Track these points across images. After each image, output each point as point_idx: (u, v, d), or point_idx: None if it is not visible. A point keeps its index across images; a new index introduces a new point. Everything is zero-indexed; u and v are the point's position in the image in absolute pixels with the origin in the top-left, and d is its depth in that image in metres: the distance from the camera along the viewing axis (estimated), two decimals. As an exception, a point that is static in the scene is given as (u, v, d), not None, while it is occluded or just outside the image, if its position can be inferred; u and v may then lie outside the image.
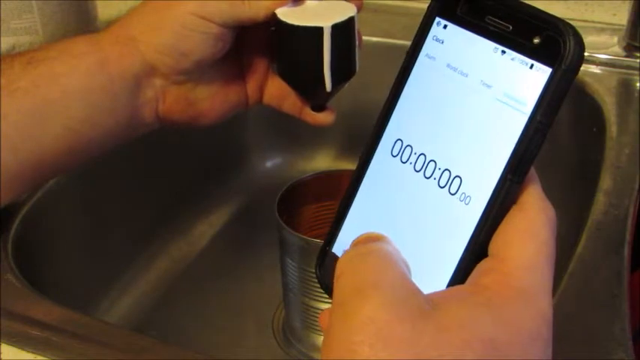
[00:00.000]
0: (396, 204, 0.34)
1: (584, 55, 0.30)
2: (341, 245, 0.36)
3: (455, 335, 0.27)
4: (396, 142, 0.34)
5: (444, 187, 0.32)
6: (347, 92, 0.55)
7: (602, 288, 0.50)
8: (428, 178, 0.33)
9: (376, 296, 0.28)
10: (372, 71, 0.65)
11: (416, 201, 0.33)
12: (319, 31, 0.50)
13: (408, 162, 0.34)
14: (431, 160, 0.33)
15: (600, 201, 0.58)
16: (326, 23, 0.50)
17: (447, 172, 0.32)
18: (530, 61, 0.30)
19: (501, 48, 0.31)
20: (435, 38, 0.34)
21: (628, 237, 0.54)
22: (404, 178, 0.34)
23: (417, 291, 0.29)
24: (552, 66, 0.30)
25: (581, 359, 0.45)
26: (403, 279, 0.30)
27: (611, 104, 0.69)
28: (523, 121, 0.30)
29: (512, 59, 0.31)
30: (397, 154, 0.34)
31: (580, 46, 0.29)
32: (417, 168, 0.33)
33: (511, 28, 0.31)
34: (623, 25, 0.77)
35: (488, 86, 0.31)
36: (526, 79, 0.30)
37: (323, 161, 0.87)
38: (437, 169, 0.32)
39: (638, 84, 0.73)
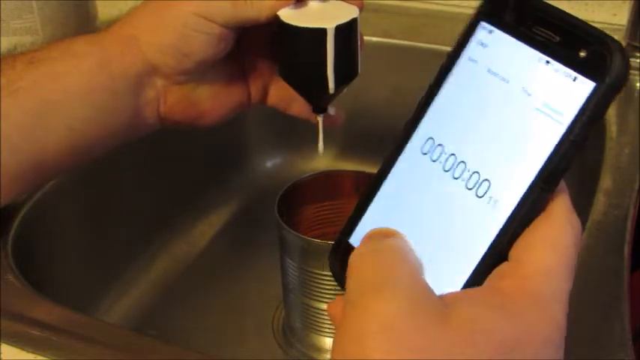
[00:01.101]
0: (420, 200, 0.34)
1: (629, 73, 0.30)
2: (359, 237, 0.35)
3: (468, 338, 0.28)
4: (427, 140, 0.34)
5: (471, 188, 0.32)
6: (347, 92, 0.55)
7: (602, 288, 0.50)
8: (456, 178, 0.33)
9: (392, 299, 0.28)
10: (372, 72, 0.65)
11: (441, 199, 0.33)
12: (323, 32, 0.49)
13: (438, 161, 0.34)
14: (461, 162, 0.33)
15: (600, 201, 0.58)
16: (329, 25, 0.49)
17: (476, 175, 0.32)
18: (574, 74, 0.30)
19: (546, 58, 0.31)
20: (479, 42, 0.34)
21: (628, 237, 0.54)
22: (431, 176, 0.34)
23: (430, 292, 0.29)
24: (596, 81, 0.29)
25: (581, 359, 0.45)
26: (417, 279, 0.30)
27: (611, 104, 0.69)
28: (560, 132, 0.30)
29: (556, 70, 0.31)
30: (427, 152, 0.34)
31: (626, 63, 0.29)
32: (446, 168, 0.33)
33: (558, 39, 0.31)
34: (623, 25, 0.77)
35: (528, 94, 0.31)
36: (568, 91, 0.30)
37: (323, 161, 0.86)
38: (466, 170, 0.32)
39: (638, 84, 0.73)
